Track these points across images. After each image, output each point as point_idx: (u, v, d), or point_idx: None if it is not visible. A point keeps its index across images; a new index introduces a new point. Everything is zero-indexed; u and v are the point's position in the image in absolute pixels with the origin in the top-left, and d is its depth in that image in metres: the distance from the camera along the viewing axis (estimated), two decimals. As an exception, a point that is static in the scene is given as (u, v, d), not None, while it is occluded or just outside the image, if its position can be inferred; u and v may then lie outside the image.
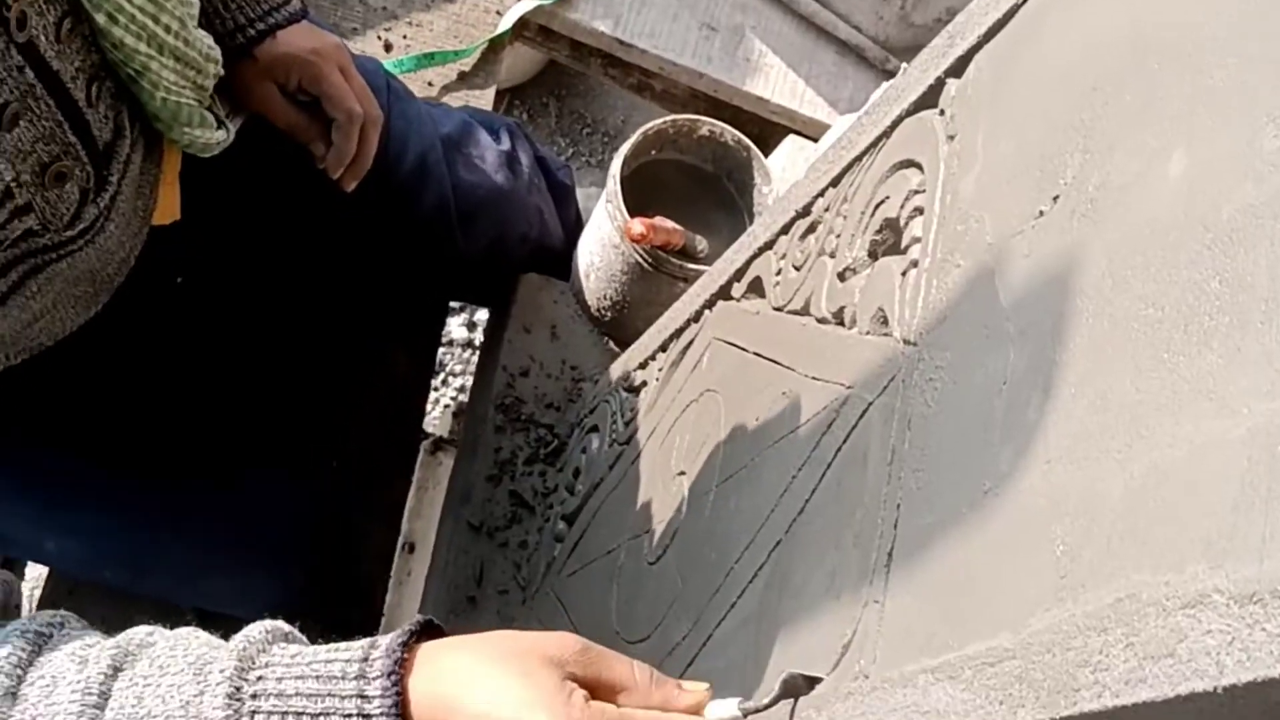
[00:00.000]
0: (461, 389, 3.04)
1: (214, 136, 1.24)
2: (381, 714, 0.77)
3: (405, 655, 0.79)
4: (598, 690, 0.83)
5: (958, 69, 0.94)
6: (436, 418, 2.85)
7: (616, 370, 1.58)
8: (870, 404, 0.91)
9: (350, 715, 0.76)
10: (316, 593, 1.74)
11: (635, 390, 1.49)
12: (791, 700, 0.87)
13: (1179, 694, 0.55)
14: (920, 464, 0.82)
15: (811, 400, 1.01)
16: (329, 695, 0.76)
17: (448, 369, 3.08)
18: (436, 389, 3.03)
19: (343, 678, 0.77)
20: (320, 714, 0.76)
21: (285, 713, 0.76)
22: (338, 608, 1.78)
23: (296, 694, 0.76)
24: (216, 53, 1.19)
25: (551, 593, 1.55)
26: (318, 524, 1.74)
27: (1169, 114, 0.68)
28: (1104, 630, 0.60)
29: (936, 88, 0.96)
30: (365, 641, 0.80)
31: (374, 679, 0.77)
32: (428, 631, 0.83)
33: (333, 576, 1.75)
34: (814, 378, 1.02)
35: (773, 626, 0.95)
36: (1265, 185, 0.60)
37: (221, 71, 1.21)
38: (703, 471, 1.20)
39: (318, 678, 0.77)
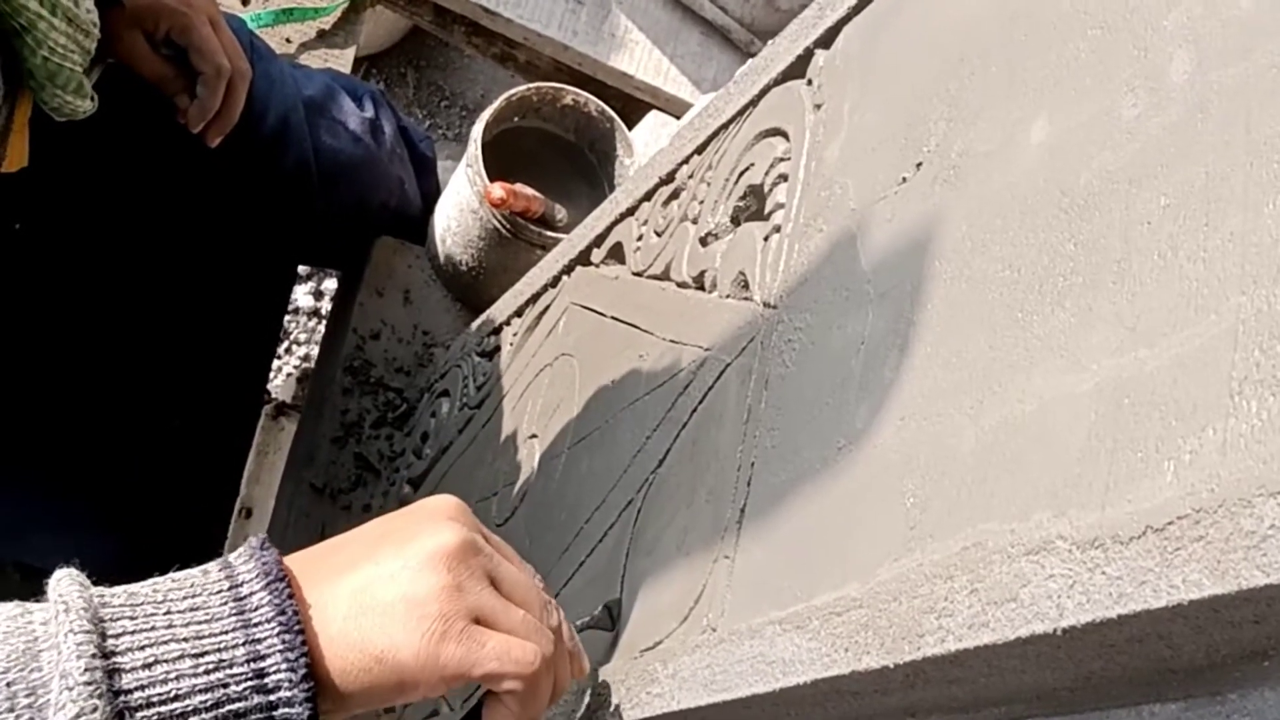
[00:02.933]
0: (306, 357, 2.98)
1: (82, 105, 1.19)
2: (257, 580, 0.68)
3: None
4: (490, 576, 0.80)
5: (826, 40, 0.95)
6: (279, 384, 2.79)
7: (470, 335, 1.57)
8: (728, 365, 0.92)
9: (224, 599, 0.67)
10: (147, 554, 1.69)
11: (488, 355, 1.48)
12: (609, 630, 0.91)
13: (1020, 636, 0.56)
14: (776, 423, 0.83)
15: (669, 363, 1.02)
16: (197, 608, 0.67)
17: (292, 337, 3.02)
18: (280, 356, 2.98)
19: (204, 579, 0.69)
20: (188, 610, 0.67)
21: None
22: (169, 570, 1.73)
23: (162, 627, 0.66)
24: (95, 15, 1.15)
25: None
26: (152, 483, 1.69)
27: (1032, 84, 0.70)
28: (950, 577, 0.62)
29: (805, 58, 0.97)
30: (213, 563, 0.71)
31: (240, 564, 0.69)
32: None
33: (165, 538, 1.70)
34: (672, 341, 1.03)
35: (624, 585, 0.95)
36: (1122, 152, 0.62)
37: (99, 35, 1.17)
38: (555, 435, 1.20)
39: (181, 599, 0.68)
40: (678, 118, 1.98)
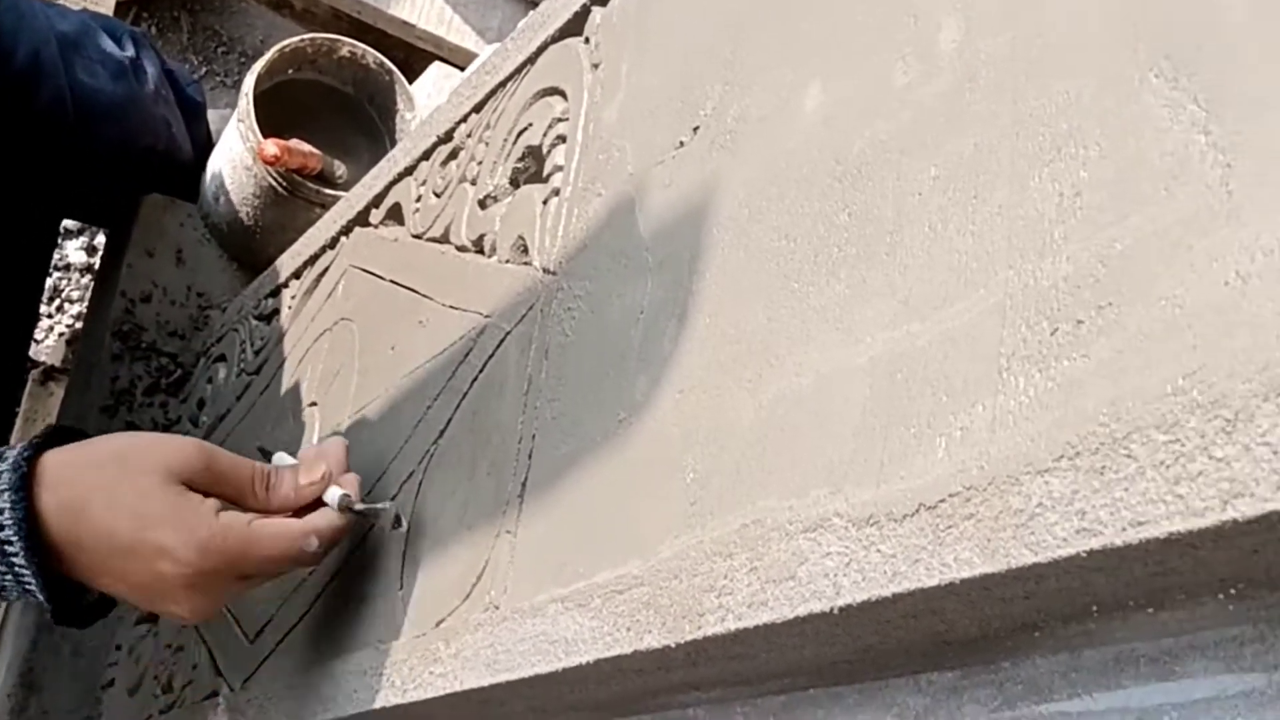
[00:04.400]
0: (78, 316, 2.84)
1: None
2: (12, 524, 0.76)
3: (30, 469, 0.81)
4: (225, 498, 0.86)
5: (604, -4, 0.93)
6: (50, 346, 2.65)
7: (247, 297, 1.50)
8: (508, 333, 0.90)
9: None
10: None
11: (266, 318, 1.43)
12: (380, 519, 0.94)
13: (798, 615, 0.56)
14: (557, 394, 0.81)
15: (449, 329, 0.99)
16: None
17: (64, 295, 2.87)
18: (51, 315, 2.83)
19: None
20: None
21: None
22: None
23: None
24: None
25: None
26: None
27: (807, 49, 0.69)
28: (729, 555, 0.61)
29: (582, 15, 0.95)
30: None
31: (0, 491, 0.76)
32: (60, 437, 0.85)
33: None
34: (452, 306, 1.00)
35: (406, 560, 0.92)
36: (894, 121, 0.61)
37: None
38: (336, 402, 1.16)
39: None
40: (462, 69, 1.93)
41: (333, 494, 0.91)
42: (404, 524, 0.92)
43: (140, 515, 0.82)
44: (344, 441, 0.96)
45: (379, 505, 0.94)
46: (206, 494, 0.85)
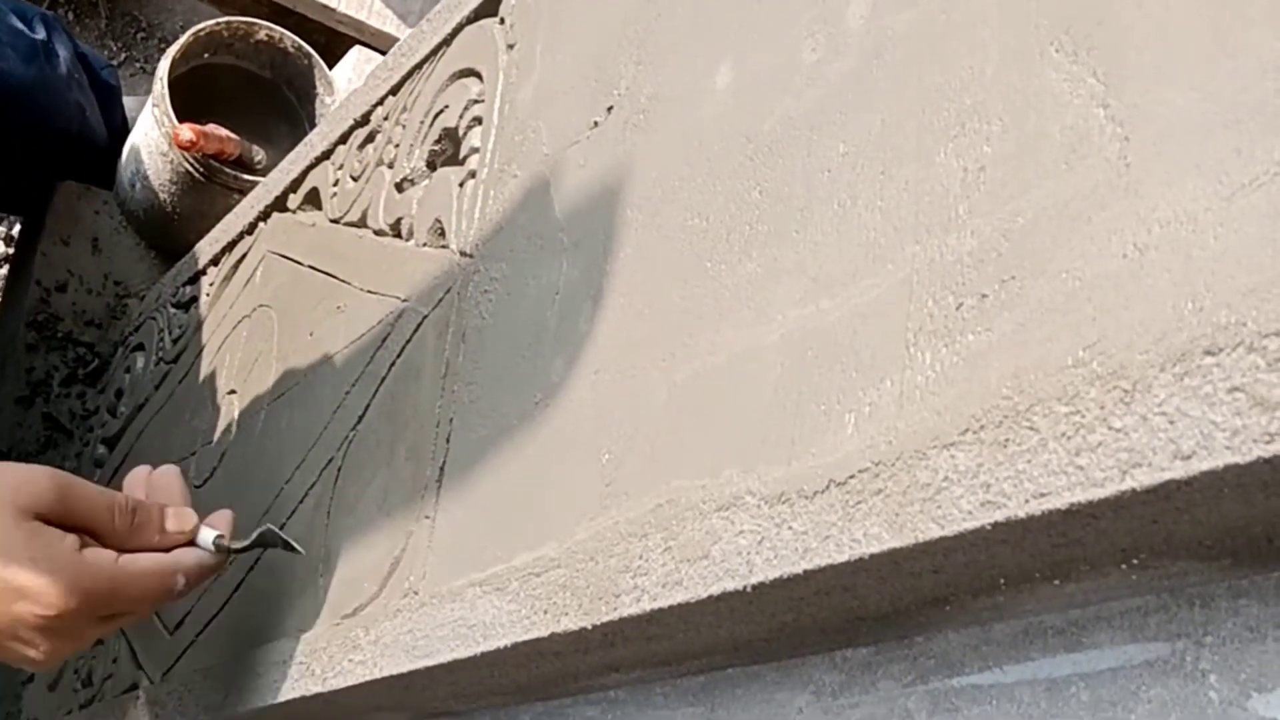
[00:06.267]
0: (-4, 308, 2.79)
1: None
2: None
3: None
4: (83, 530, 0.81)
5: (519, -23, 0.92)
6: (-34, 338, 2.60)
7: (165, 285, 1.48)
8: (425, 317, 0.89)
9: None
10: None
11: (184, 306, 1.41)
12: (262, 549, 0.89)
13: (712, 594, 0.56)
14: (474, 377, 0.81)
15: (367, 314, 0.98)
16: None
17: (-20, 285, 2.82)
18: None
19: None
20: None
21: None
22: None
23: None
24: None
25: (91, 523, 1.44)
26: None
27: (717, 27, 0.69)
28: (644, 536, 0.60)
29: (497, -5, 0.94)
30: None
31: None
32: None
33: None
34: (370, 291, 0.99)
35: (325, 547, 0.91)
36: (803, 99, 0.61)
37: None
38: (254, 390, 1.15)
39: None
40: (383, 53, 1.91)
41: (205, 536, 0.86)
42: (299, 549, 0.88)
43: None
44: (177, 470, 0.91)
45: (252, 541, 0.88)
46: (62, 527, 0.79)
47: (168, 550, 0.84)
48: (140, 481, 0.90)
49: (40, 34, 1.56)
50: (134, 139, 1.60)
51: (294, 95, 1.62)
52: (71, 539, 0.79)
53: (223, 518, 0.87)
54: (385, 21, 2.05)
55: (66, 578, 0.77)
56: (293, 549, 0.87)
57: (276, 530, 0.87)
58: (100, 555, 0.80)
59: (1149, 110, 0.44)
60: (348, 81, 1.75)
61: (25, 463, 1.42)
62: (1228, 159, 0.41)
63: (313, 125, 1.61)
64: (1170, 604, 0.49)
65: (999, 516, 0.45)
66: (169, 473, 0.90)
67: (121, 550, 0.82)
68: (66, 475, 0.81)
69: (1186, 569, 0.47)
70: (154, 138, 1.51)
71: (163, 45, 3.51)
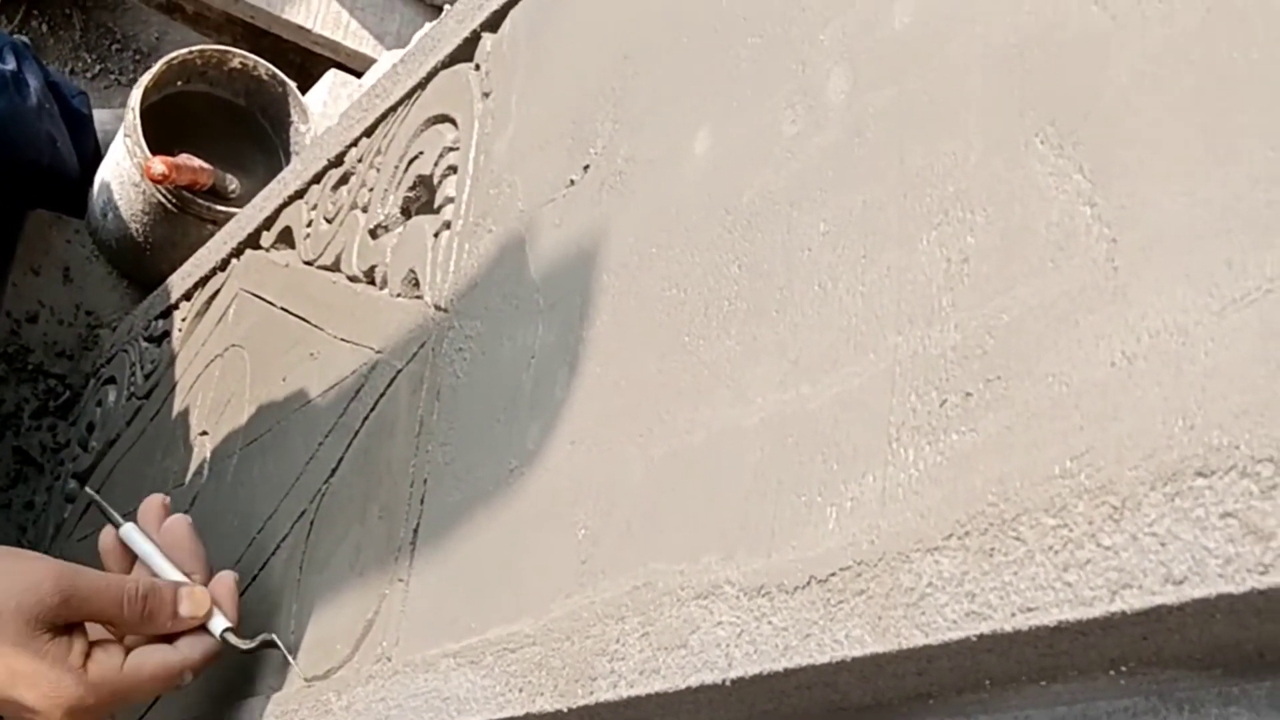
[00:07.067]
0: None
1: None
2: None
3: None
4: (93, 620, 0.80)
5: (494, 23, 0.91)
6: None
7: (137, 318, 1.46)
8: (399, 371, 0.87)
9: None
10: None
11: (157, 340, 1.39)
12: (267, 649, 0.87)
13: (690, 685, 0.54)
14: (449, 437, 0.79)
15: (340, 363, 0.96)
16: None
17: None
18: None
19: None
20: None
21: None
22: None
23: None
24: None
25: (62, 558, 1.42)
26: None
27: (697, 90, 0.68)
28: (621, 619, 0.59)
29: (473, 41, 0.92)
30: None
31: None
32: None
33: None
34: (344, 340, 0.97)
35: (297, 602, 0.90)
36: (783, 172, 0.60)
37: None
38: (226, 433, 1.13)
39: None
40: (359, 74, 1.89)
41: (217, 624, 0.85)
42: (296, 664, 0.85)
43: (9, 675, 0.76)
44: (188, 522, 0.90)
45: (259, 643, 0.86)
46: (70, 625, 0.79)
47: (178, 633, 0.84)
48: (153, 518, 0.90)
49: (10, 64, 1.53)
50: (105, 168, 1.58)
51: (268, 123, 1.60)
52: (78, 649, 0.79)
53: (226, 589, 0.86)
54: (362, 42, 2.03)
55: (69, 698, 0.77)
56: (290, 660, 0.86)
57: (278, 641, 0.86)
58: (106, 665, 0.79)
59: (1137, 212, 0.43)
60: (323, 105, 1.73)
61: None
62: (1218, 270, 0.40)
63: (288, 153, 1.59)
64: (1159, 707, 0.48)
65: (984, 629, 0.43)
66: (181, 525, 0.89)
67: (133, 632, 0.82)
68: (70, 572, 0.79)
69: (1176, 676, 0.45)
70: (126, 168, 1.49)
71: (137, 57, 3.48)
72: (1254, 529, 0.36)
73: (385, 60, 1.91)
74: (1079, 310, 0.44)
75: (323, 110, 1.72)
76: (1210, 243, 0.40)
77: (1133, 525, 0.40)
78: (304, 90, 1.81)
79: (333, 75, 1.82)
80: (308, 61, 2.06)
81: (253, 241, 1.22)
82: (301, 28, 2.01)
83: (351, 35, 2.04)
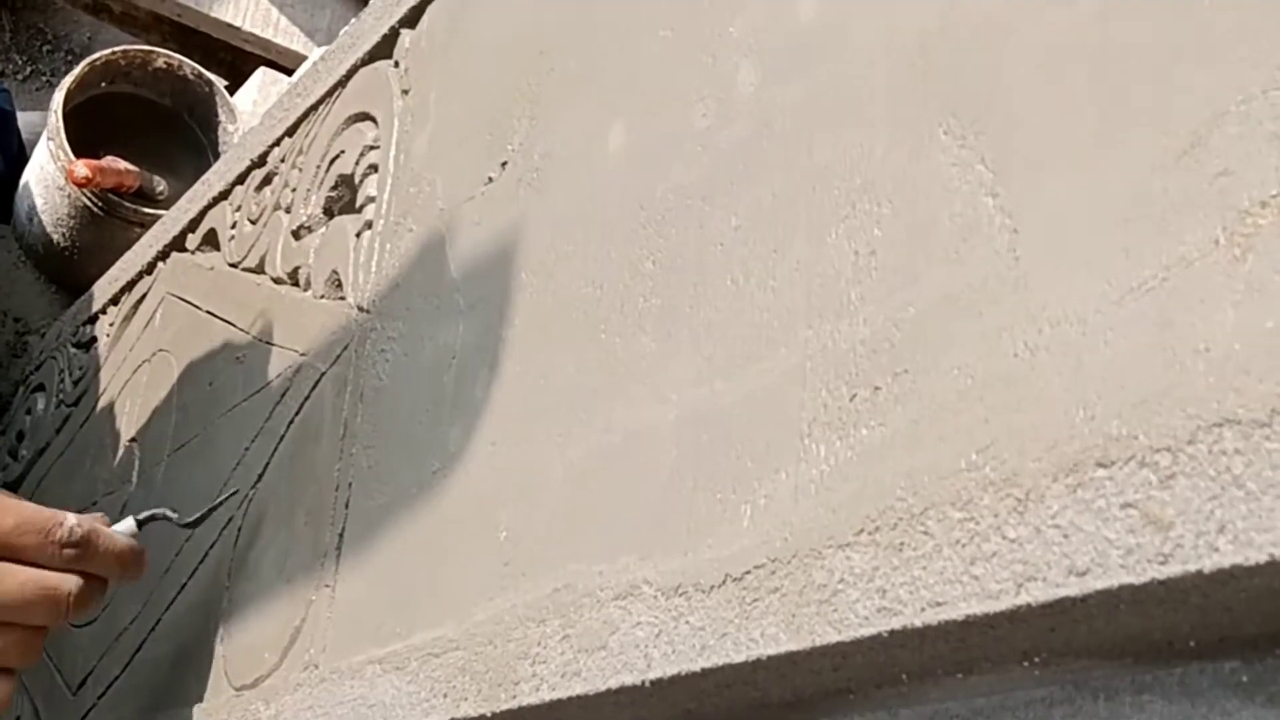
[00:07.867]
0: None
1: None
2: None
3: None
4: None
5: (412, 19, 0.89)
6: None
7: (65, 324, 1.44)
8: (323, 374, 0.86)
9: None
10: None
11: (85, 346, 1.36)
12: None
13: (610, 687, 0.54)
14: (372, 440, 0.78)
15: (266, 367, 0.95)
16: None
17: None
18: None
19: None
20: None
21: None
22: None
23: None
24: None
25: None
26: None
27: (610, 85, 0.67)
28: (543, 621, 0.58)
29: (391, 37, 0.91)
30: None
31: None
32: None
33: None
34: (268, 342, 0.96)
35: (227, 610, 0.88)
36: (695, 166, 0.59)
37: None
38: (155, 439, 1.11)
39: None
40: (290, 71, 1.87)
41: (125, 525, 0.83)
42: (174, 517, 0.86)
43: None
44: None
45: (147, 517, 0.85)
46: None
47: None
48: None
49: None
50: (30, 172, 1.55)
51: (195, 123, 1.58)
52: None
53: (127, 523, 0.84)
54: (292, 39, 2.01)
55: None
56: (169, 517, 0.86)
57: (166, 514, 0.86)
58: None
59: (1038, 203, 0.43)
60: (253, 104, 1.71)
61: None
62: (1116, 259, 0.40)
63: (216, 153, 1.57)
64: (1075, 695, 0.48)
65: (895, 624, 0.43)
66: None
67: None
68: None
69: (1090, 665, 0.45)
70: (50, 171, 1.47)
71: (69, 57, 3.43)
72: (1153, 519, 0.36)
73: (316, 56, 1.89)
74: (983, 301, 0.44)
75: (253, 109, 1.70)
76: (1108, 231, 0.40)
77: (1036, 517, 0.39)
78: (235, 89, 1.79)
79: (262, 73, 1.80)
80: (238, 60, 2.04)
81: (178, 244, 1.20)
82: (230, 25, 1.99)
83: (281, 32, 2.02)
